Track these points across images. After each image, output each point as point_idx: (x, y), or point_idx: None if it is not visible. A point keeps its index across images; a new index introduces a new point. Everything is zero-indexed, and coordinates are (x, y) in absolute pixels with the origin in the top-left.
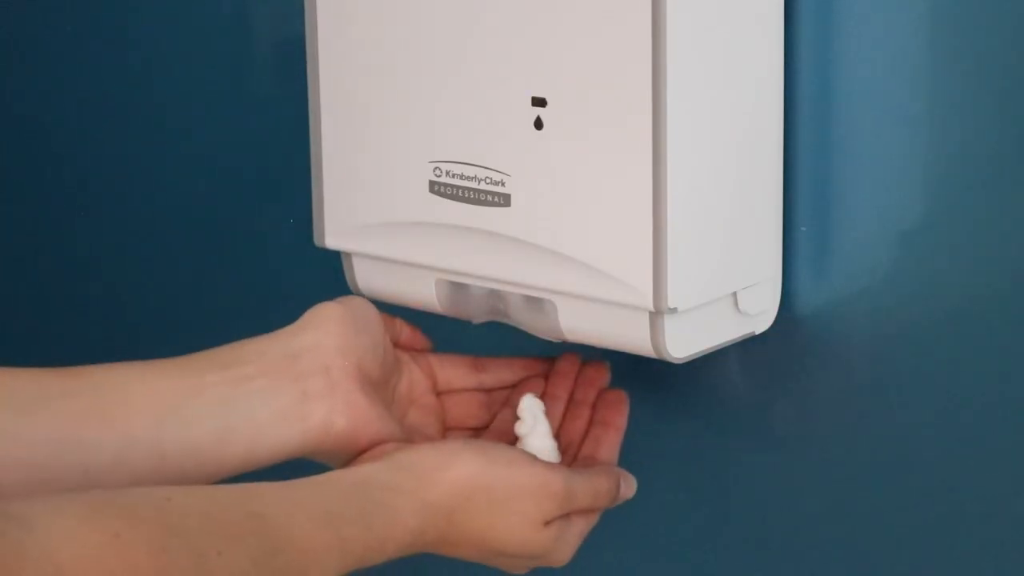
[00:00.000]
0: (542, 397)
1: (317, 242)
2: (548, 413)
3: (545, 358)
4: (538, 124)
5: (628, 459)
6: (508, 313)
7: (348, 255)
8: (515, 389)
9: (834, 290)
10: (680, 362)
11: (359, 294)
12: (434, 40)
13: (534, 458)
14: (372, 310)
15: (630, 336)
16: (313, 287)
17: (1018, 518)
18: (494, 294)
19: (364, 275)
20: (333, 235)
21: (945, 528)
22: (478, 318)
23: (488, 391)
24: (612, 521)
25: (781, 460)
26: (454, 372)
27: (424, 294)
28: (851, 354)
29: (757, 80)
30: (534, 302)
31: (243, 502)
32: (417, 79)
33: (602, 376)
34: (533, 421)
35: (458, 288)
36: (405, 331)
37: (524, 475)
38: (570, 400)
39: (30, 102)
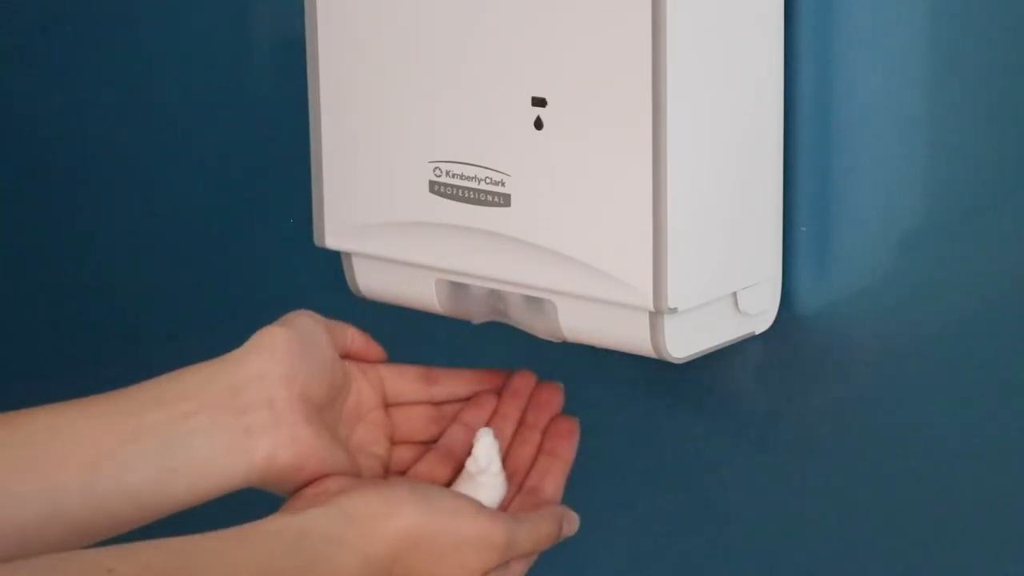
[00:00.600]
0: (493, 416)
1: (317, 242)
2: (497, 434)
3: (499, 371)
4: (538, 124)
5: (628, 459)
6: (508, 313)
7: (348, 255)
8: (467, 404)
9: (834, 290)
10: (680, 362)
11: (359, 294)
12: (434, 40)
13: (478, 508)
14: (319, 328)
15: (630, 336)
16: (313, 287)
17: (1019, 518)
18: (494, 294)
19: (364, 275)
20: (333, 235)
21: (945, 528)
22: (478, 318)
23: (438, 404)
24: (612, 521)
25: (781, 460)
26: (404, 385)
27: (424, 294)
28: (851, 354)
29: (757, 80)
30: (534, 302)
31: (184, 567)
32: (417, 79)
33: (556, 399)
34: (487, 463)
35: (458, 288)
36: (357, 341)
37: (467, 527)
38: (521, 422)
39: (30, 102)
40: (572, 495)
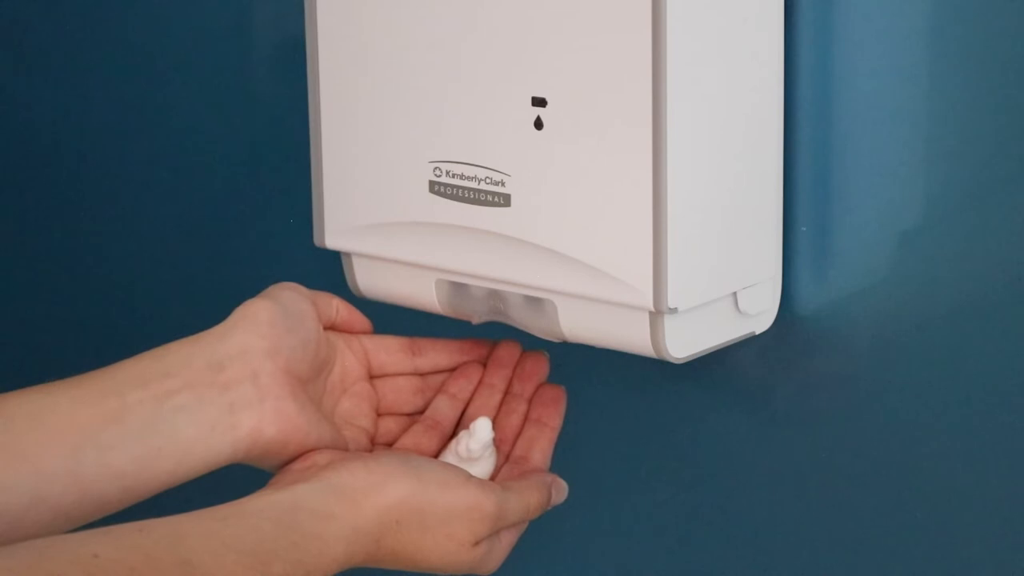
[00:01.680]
0: (478, 386)
1: (317, 242)
2: (484, 404)
3: (484, 341)
4: (538, 124)
5: (628, 459)
6: (508, 313)
7: (348, 255)
8: (452, 374)
9: (834, 290)
10: (680, 362)
11: (359, 294)
12: (434, 40)
13: (467, 478)
14: (304, 301)
15: (630, 336)
16: (313, 287)
17: (1017, 517)
18: (494, 294)
19: (364, 275)
20: (333, 235)
21: (945, 528)
22: (478, 318)
23: (423, 375)
24: (613, 520)
25: (781, 460)
26: (388, 357)
27: (424, 294)
28: (851, 354)
29: (757, 80)
30: (534, 302)
31: (171, 548)
32: (417, 79)
33: (541, 368)
34: (480, 454)
35: (458, 288)
36: (342, 312)
37: (456, 498)
38: (507, 391)
39: (29, 102)
40: (571, 495)
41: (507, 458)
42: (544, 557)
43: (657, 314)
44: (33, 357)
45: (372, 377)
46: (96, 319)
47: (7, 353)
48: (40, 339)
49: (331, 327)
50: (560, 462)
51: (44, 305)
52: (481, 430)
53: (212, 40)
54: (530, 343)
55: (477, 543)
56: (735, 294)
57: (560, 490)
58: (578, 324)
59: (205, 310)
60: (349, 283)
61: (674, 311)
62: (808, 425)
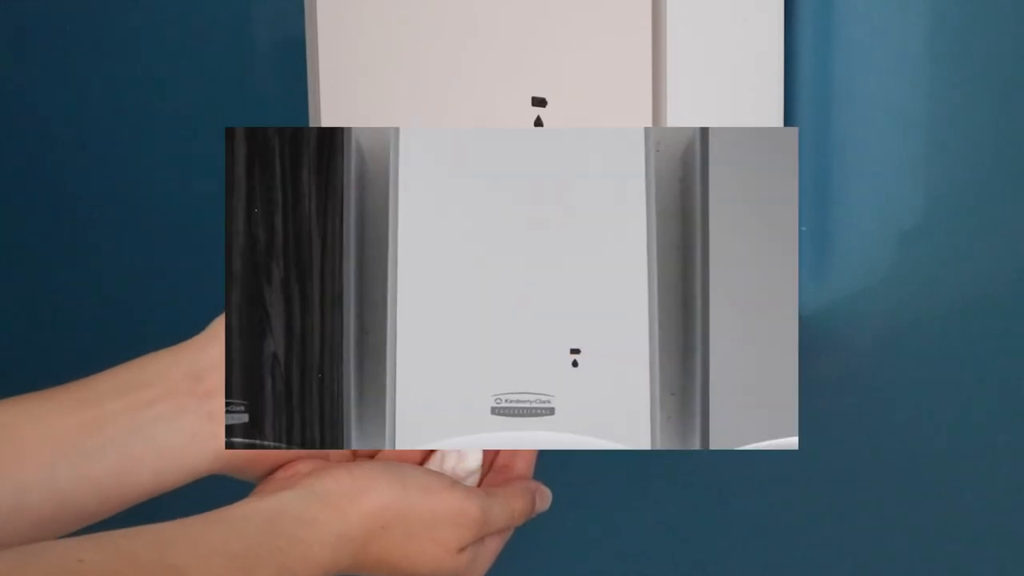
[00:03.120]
0: None
1: None
2: None
3: None
4: (538, 124)
5: (627, 458)
6: None
7: None
8: None
9: (834, 290)
10: None
11: None
12: (434, 40)
13: (451, 483)
14: None
15: None
16: None
17: (1018, 516)
18: None
19: None
20: None
21: (946, 527)
22: None
23: None
24: (611, 521)
25: (781, 460)
26: None
27: None
28: (851, 354)
29: (757, 80)
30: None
31: (158, 553)
32: (416, 79)
33: None
34: (466, 477)
35: None
36: None
37: (440, 503)
38: None
39: (30, 102)
40: (570, 495)
41: (490, 466)
42: (541, 557)
43: None
44: (29, 358)
45: None
46: (95, 319)
47: (7, 353)
48: (36, 341)
49: None
50: (558, 462)
51: (40, 307)
52: (471, 458)
53: (212, 40)
54: None
55: (462, 549)
56: None
57: (544, 497)
58: None
59: (205, 310)
60: None
61: None
62: (808, 425)
